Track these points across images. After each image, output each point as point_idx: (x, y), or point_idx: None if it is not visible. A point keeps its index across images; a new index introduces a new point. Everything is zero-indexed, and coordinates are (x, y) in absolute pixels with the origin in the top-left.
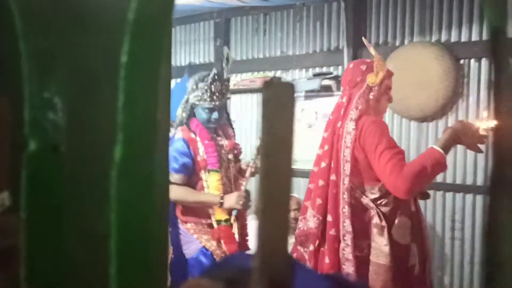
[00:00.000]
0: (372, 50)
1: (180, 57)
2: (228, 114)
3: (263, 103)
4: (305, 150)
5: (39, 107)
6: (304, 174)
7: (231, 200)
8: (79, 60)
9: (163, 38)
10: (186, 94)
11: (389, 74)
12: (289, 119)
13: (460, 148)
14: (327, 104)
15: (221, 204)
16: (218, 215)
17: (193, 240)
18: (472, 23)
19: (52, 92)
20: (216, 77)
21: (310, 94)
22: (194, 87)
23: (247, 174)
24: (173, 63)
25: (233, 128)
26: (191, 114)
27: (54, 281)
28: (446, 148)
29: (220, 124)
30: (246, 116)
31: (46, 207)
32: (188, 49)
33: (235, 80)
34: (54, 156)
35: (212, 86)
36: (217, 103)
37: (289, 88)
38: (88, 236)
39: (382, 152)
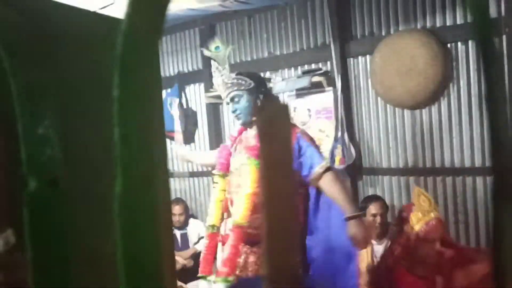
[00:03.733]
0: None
1: (168, 67)
2: None
3: (259, 126)
4: None
5: (34, 143)
6: None
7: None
8: (70, 92)
9: (153, 65)
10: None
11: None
12: (286, 139)
13: (456, 131)
14: (319, 101)
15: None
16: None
17: None
18: (455, 6)
19: (46, 126)
20: (214, 70)
21: (301, 92)
22: None
23: None
24: (162, 73)
25: None
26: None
27: None
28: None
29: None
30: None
31: (50, 242)
32: (176, 58)
33: None
34: (54, 191)
35: (214, 80)
36: (225, 94)
37: (284, 109)
38: (95, 267)
39: None
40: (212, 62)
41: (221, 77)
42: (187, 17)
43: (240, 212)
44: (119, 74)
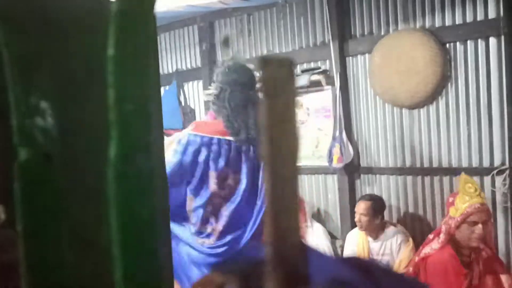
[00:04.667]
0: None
1: (167, 64)
2: None
3: (261, 82)
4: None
5: (26, 114)
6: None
7: None
8: (64, 63)
9: (149, 28)
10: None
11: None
12: (290, 96)
13: (454, 131)
14: (318, 99)
15: None
16: None
17: None
18: (454, 6)
19: (38, 97)
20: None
21: (300, 91)
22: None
23: None
24: (160, 70)
25: None
26: None
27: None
28: None
29: None
30: None
31: (43, 218)
32: (174, 55)
33: None
34: (47, 164)
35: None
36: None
37: (288, 63)
38: (89, 244)
39: None
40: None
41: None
42: (186, 14)
43: None
44: (114, 32)
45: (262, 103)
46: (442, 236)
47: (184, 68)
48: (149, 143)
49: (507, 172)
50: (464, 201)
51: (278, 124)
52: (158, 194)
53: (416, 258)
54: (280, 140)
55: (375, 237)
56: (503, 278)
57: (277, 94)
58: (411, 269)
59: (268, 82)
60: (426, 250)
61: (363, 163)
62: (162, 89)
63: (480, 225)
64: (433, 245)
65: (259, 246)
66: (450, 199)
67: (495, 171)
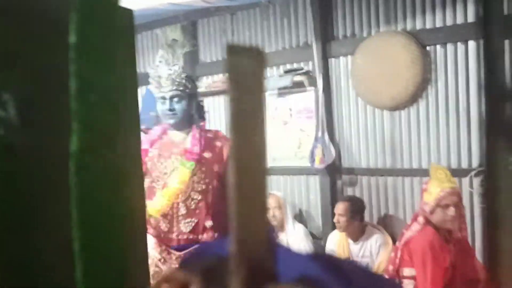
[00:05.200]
0: None
1: (148, 63)
2: (198, 115)
3: (228, 71)
4: (281, 147)
5: None
6: (281, 171)
7: None
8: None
9: (114, 18)
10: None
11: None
12: (259, 87)
13: (433, 133)
14: (301, 100)
15: None
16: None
17: None
18: (435, 9)
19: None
20: (161, 60)
21: (283, 91)
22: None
23: None
24: (142, 70)
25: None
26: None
27: (23, 282)
28: None
29: (194, 124)
30: (219, 119)
31: (5, 210)
32: (156, 55)
33: (207, 82)
34: (8, 155)
35: (158, 69)
36: (167, 90)
37: (257, 53)
38: (55, 236)
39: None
40: (161, 51)
41: (169, 71)
42: (168, 12)
43: (159, 203)
44: (76, 19)
45: (228, 97)
46: (420, 219)
47: None
48: (115, 136)
49: (485, 173)
50: (436, 186)
51: (245, 119)
52: (127, 190)
53: (399, 244)
54: (247, 135)
55: (355, 239)
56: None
57: (243, 86)
58: (391, 267)
59: (234, 73)
60: (407, 234)
61: (345, 164)
62: (144, 88)
63: (452, 208)
64: (413, 228)
65: (224, 242)
66: (424, 186)
67: (473, 173)
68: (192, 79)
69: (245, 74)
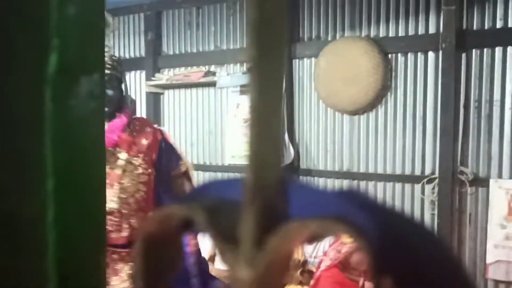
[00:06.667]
0: None
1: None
2: (118, 98)
3: None
4: (242, 145)
5: None
6: (239, 169)
7: None
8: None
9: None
10: None
11: None
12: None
13: (390, 139)
14: None
15: None
16: None
17: None
18: (399, 19)
19: None
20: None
21: (246, 89)
22: None
23: None
24: None
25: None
26: None
27: None
28: None
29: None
30: (180, 111)
31: None
32: (118, 42)
33: (168, 75)
34: None
35: None
36: None
37: None
38: (9, 230)
39: None
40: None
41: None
42: (133, 1)
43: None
44: None
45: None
46: (328, 260)
47: (127, 56)
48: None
49: (436, 181)
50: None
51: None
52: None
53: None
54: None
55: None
56: None
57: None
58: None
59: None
60: (321, 268)
61: (303, 165)
62: None
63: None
64: (322, 265)
65: (235, 180)
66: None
67: (425, 180)
68: (118, 61)
69: None
